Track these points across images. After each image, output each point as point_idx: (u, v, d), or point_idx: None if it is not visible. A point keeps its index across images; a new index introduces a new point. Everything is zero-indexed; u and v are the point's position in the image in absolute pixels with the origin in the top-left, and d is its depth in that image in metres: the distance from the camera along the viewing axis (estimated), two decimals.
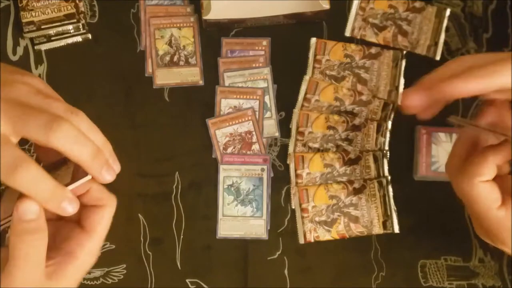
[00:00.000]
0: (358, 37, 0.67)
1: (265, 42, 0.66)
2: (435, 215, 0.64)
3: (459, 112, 0.65)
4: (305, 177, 0.64)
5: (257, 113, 0.65)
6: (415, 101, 0.44)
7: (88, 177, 0.39)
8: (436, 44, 0.66)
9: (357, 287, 0.63)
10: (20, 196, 0.37)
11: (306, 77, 0.65)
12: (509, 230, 0.44)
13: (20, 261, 0.37)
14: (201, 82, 0.65)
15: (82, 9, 0.66)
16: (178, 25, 0.66)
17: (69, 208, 0.37)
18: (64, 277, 0.39)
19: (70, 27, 0.65)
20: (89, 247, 0.40)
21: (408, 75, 0.65)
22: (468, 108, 0.65)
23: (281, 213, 0.64)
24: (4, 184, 0.36)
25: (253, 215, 0.63)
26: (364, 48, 0.66)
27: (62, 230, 0.41)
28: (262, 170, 0.64)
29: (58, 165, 0.42)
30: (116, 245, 0.63)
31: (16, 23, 0.66)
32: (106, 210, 0.41)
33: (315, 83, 0.65)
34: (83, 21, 0.65)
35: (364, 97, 0.65)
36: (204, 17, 0.63)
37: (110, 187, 0.54)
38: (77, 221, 0.41)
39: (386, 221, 0.63)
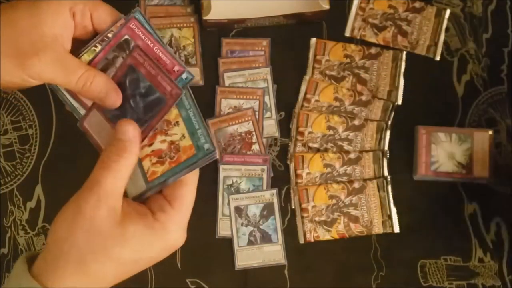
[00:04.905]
0: (358, 37, 0.67)
1: (265, 42, 0.66)
2: (435, 215, 0.64)
3: (459, 113, 0.66)
4: (305, 177, 0.64)
5: (257, 113, 0.65)
6: None
7: None
8: (436, 44, 0.66)
9: (357, 287, 0.63)
10: None
11: (306, 77, 0.65)
12: None
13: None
14: (201, 82, 0.65)
15: None
16: (178, 25, 0.66)
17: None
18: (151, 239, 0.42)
19: None
20: (176, 219, 0.42)
21: (408, 75, 0.66)
22: (468, 108, 0.66)
23: (281, 213, 0.64)
24: None
25: None
26: (364, 48, 0.66)
27: (159, 202, 0.43)
28: (262, 170, 0.64)
29: None
30: None
31: None
32: (186, 187, 0.43)
33: (315, 83, 0.65)
34: None
35: (364, 97, 0.65)
36: (204, 17, 0.63)
37: None
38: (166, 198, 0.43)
39: (386, 221, 0.63)
